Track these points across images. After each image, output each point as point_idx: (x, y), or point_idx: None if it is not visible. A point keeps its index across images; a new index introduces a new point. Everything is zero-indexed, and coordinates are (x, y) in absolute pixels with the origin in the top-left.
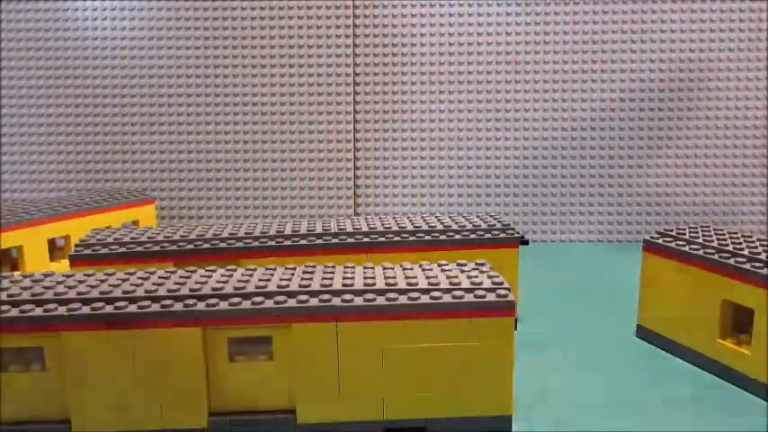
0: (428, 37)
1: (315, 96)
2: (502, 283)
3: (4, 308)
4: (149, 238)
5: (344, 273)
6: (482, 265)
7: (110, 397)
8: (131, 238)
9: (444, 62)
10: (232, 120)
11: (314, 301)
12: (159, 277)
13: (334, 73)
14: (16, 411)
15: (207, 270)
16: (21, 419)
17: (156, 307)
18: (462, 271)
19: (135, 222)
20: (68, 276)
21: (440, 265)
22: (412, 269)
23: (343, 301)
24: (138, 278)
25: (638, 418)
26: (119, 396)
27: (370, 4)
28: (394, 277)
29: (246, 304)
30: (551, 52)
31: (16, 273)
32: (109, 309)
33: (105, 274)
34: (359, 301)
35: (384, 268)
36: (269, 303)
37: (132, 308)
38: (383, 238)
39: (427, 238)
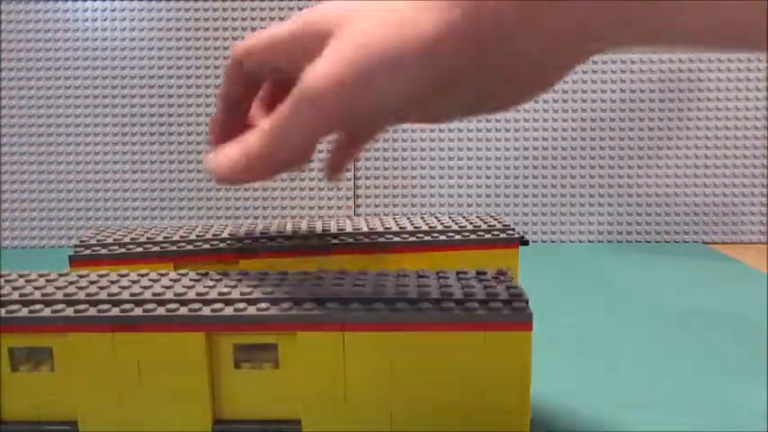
0: None
1: None
2: (520, 295)
3: (15, 307)
4: (149, 238)
5: (355, 281)
6: (503, 273)
7: (115, 400)
8: (131, 239)
9: None
10: None
11: (320, 310)
12: (170, 280)
13: None
14: (25, 411)
15: (217, 273)
16: (29, 419)
17: (161, 310)
18: (480, 280)
19: None
20: (82, 277)
21: (457, 273)
22: (427, 277)
23: (351, 310)
24: (149, 280)
25: (644, 418)
26: (123, 400)
27: None
28: (406, 285)
29: (251, 310)
30: None
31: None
32: (115, 311)
33: (119, 275)
34: (366, 310)
35: (398, 276)
36: (274, 310)
37: (138, 311)
38: (383, 239)
39: (427, 238)
